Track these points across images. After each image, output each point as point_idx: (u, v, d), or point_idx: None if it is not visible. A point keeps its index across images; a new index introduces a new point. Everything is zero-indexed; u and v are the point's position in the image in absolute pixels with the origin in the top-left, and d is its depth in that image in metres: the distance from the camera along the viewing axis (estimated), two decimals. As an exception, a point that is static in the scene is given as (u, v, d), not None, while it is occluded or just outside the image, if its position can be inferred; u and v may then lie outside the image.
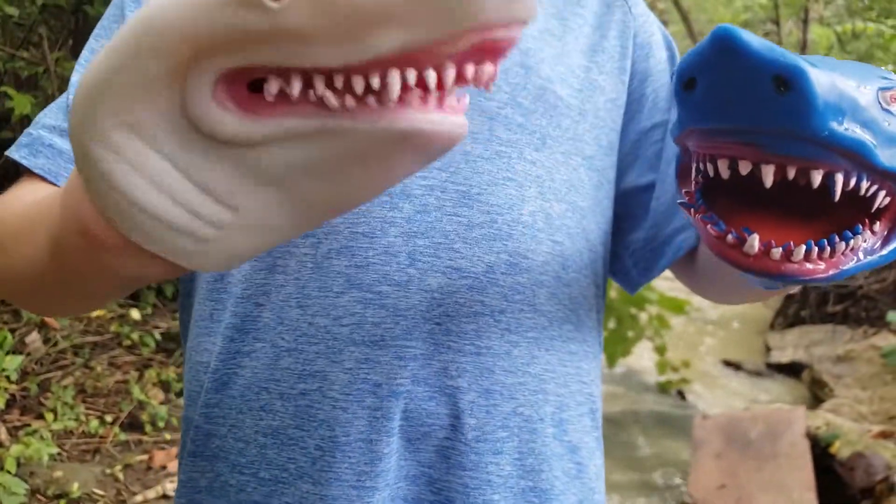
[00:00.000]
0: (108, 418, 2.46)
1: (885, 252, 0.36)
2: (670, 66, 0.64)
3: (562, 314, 0.56)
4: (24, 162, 0.54)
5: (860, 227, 0.35)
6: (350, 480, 0.50)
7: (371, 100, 0.25)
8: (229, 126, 0.26)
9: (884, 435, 2.91)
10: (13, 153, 0.55)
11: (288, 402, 0.51)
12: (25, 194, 0.50)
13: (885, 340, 4.28)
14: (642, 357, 3.89)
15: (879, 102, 0.33)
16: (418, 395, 0.51)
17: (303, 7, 0.23)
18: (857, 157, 0.32)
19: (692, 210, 0.37)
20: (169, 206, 0.28)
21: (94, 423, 2.40)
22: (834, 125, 0.31)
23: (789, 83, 0.30)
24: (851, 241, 0.35)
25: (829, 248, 0.34)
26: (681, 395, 4.05)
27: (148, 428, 2.49)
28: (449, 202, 0.51)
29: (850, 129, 0.31)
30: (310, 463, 0.50)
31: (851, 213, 0.35)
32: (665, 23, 9.55)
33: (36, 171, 0.53)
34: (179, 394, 2.75)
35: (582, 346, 0.58)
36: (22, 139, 0.56)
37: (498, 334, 0.52)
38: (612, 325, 3.34)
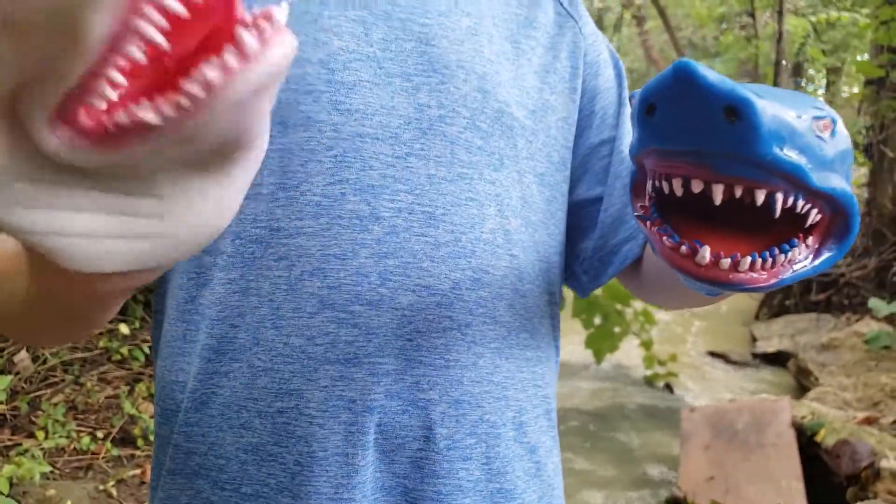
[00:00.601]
0: (100, 434, 2.47)
1: (816, 263, 0.40)
2: (617, 84, 0.67)
3: (519, 324, 0.59)
4: None
5: (796, 241, 0.39)
6: (328, 493, 0.52)
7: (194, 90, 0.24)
8: (61, 151, 0.26)
9: (868, 421, 2.96)
10: None
11: (266, 420, 0.53)
12: None
13: (867, 327, 4.34)
14: (629, 352, 3.93)
15: (813, 130, 0.37)
16: (392, 409, 0.53)
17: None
18: (794, 179, 0.36)
19: (648, 223, 0.40)
20: (101, 221, 0.28)
21: (86, 439, 2.40)
22: (776, 150, 0.34)
23: (739, 113, 0.33)
24: (789, 254, 0.38)
25: (770, 260, 0.38)
26: (668, 388, 4.10)
27: (140, 442, 2.50)
28: (416, 223, 0.53)
29: (789, 154, 0.35)
30: (289, 478, 0.52)
31: (788, 229, 0.39)
32: (642, 18, 9.62)
33: None
34: (170, 407, 2.75)
35: (537, 353, 0.61)
36: None
37: (465, 347, 0.55)
38: (598, 321, 3.37)
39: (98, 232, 0.28)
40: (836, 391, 3.53)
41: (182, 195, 0.29)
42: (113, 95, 0.25)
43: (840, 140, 0.38)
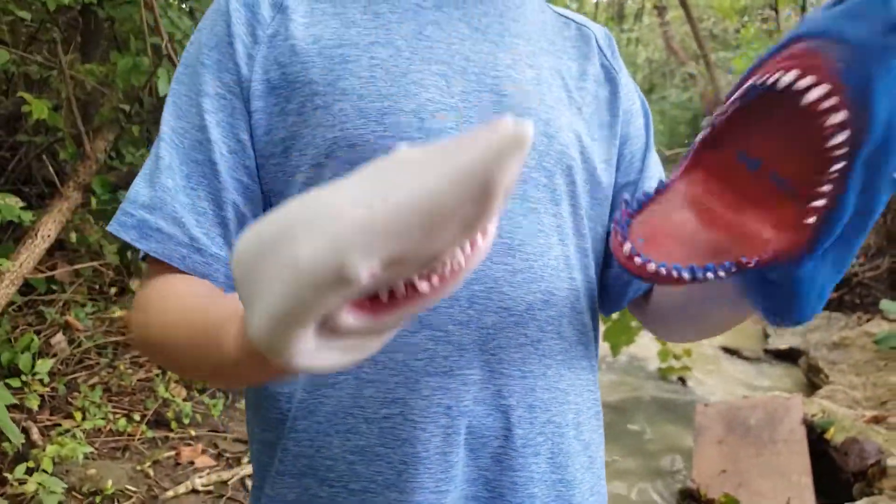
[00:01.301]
0: (136, 416, 2.55)
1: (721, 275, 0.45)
2: (645, 132, 0.75)
3: (576, 337, 0.67)
4: (137, 245, 0.60)
5: (712, 273, 0.44)
6: (431, 487, 0.59)
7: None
8: (358, 326, 0.33)
9: (876, 420, 3.02)
10: (122, 233, 0.60)
11: (373, 425, 0.60)
12: (169, 287, 0.58)
13: (878, 327, 4.38)
14: (645, 346, 3.99)
15: None
16: (479, 413, 0.60)
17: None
18: (862, 130, 0.39)
19: (617, 224, 0.48)
20: (344, 355, 0.35)
21: (122, 421, 2.48)
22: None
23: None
24: (700, 275, 0.43)
25: (678, 274, 0.43)
26: (682, 381, 4.16)
27: (173, 425, 2.59)
28: (497, 253, 0.61)
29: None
30: (395, 475, 0.59)
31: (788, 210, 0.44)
32: (664, 8, 9.54)
33: (151, 253, 0.60)
34: (202, 391, 2.84)
35: (590, 362, 0.70)
36: (124, 218, 0.60)
37: (537, 359, 0.63)
38: (615, 315, 3.43)
39: (336, 360, 0.35)
40: (846, 389, 3.59)
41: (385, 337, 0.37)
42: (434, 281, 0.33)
43: None
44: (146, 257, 0.62)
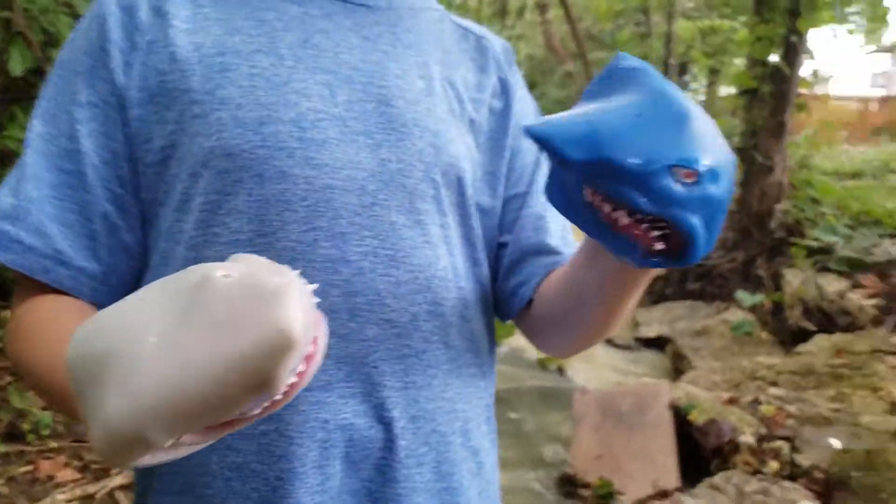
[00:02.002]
0: (-15, 429, 2.31)
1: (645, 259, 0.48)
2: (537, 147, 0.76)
3: (465, 346, 0.67)
4: None
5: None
6: (307, 502, 0.58)
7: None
8: (191, 444, 0.39)
9: (731, 401, 3.29)
10: None
11: (250, 441, 0.58)
12: (37, 322, 0.57)
13: (734, 315, 4.79)
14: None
15: (671, 174, 0.42)
16: (360, 426, 0.60)
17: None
18: (628, 205, 0.45)
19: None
20: (168, 456, 0.39)
21: (-31, 435, 2.25)
22: (611, 184, 0.44)
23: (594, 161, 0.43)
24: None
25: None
26: (560, 370, 4.35)
27: (30, 437, 2.37)
28: (380, 265, 0.60)
29: (626, 189, 0.44)
30: (271, 491, 0.58)
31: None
32: (545, 6, 9.84)
33: (8, 265, 0.57)
34: (63, 397, 2.60)
35: (481, 369, 0.69)
36: None
37: (421, 370, 0.63)
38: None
39: (164, 458, 0.39)
40: (707, 374, 3.89)
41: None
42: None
43: (707, 188, 0.43)
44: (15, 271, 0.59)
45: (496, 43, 0.76)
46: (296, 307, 0.34)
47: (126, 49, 0.60)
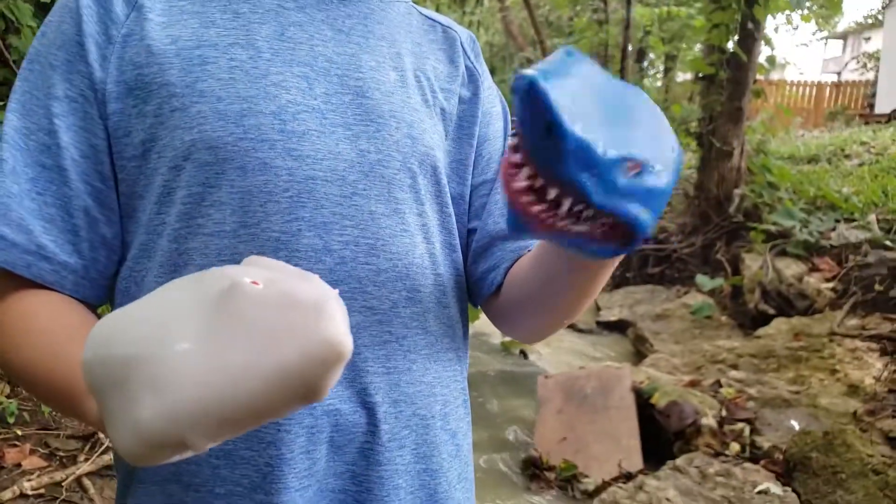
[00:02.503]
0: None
1: (591, 247, 0.49)
2: (503, 134, 0.78)
3: (442, 331, 0.68)
4: None
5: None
6: (295, 486, 0.59)
7: None
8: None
9: (692, 384, 3.34)
10: None
11: None
12: (29, 315, 0.58)
13: (693, 299, 4.87)
14: (488, 321, 4.10)
15: (619, 165, 0.43)
16: (345, 411, 0.61)
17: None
18: (580, 193, 0.44)
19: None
20: (180, 456, 0.39)
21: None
22: (572, 168, 0.43)
23: (554, 132, 0.42)
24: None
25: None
26: (523, 354, 4.36)
27: (-9, 422, 2.24)
28: (361, 254, 0.62)
29: (580, 174, 0.43)
30: (261, 478, 0.59)
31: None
32: (505, -8, 9.79)
33: None
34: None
35: (457, 353, 0.71)
36: None
37: (401, 355, 0.64)
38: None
39: (177, 457, 0.39)
40: (668, 357, 3.94)
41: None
42: None
43: (650, 180, 0.45)
44: None
45: (462, 33, 0.78)
46: (341, 320, 0.35)
47: (102, 43, 0.60)
